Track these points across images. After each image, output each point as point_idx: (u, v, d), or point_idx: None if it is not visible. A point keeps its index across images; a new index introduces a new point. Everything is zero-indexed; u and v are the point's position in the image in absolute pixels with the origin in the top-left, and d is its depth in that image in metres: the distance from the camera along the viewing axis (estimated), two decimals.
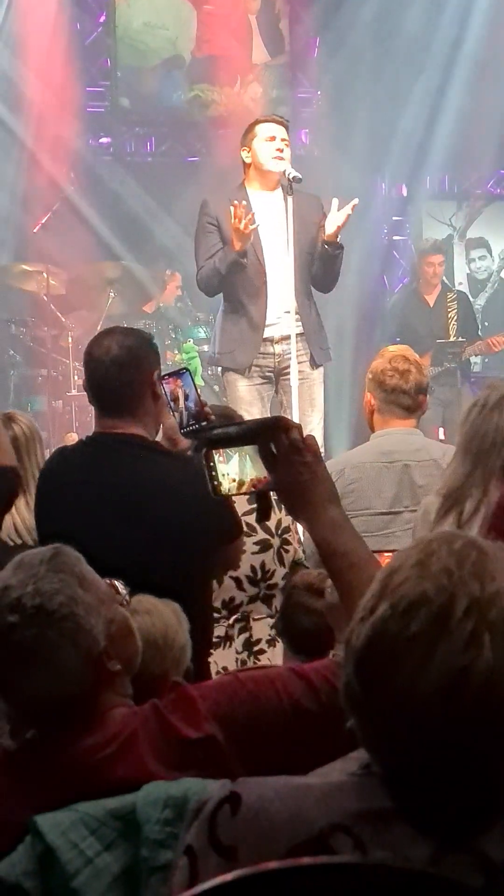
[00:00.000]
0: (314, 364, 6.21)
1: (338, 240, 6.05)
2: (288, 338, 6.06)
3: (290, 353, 6.06)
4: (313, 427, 6.14)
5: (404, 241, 11.07)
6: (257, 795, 1.44)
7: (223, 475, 2.08)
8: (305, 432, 2.03)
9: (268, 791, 1.45)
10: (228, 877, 1.29)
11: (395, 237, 11.09)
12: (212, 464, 2.08)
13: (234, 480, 2.09)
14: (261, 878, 1.27)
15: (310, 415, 6.16)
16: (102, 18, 10.38)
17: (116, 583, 2.33)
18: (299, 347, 6.07)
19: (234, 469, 2.09)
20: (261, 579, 4.01)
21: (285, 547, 4.04)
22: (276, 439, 2.08)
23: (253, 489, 2.10)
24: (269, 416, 5.95)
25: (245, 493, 2.12)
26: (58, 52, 9.76)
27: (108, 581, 2.24)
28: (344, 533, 2.08)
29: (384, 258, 10.96)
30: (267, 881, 1.28)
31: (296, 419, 5.89)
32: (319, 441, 6.04)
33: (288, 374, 6.07)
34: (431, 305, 9.21)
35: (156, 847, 1.90)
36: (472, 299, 10.27)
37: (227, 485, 2.08)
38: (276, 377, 6.23)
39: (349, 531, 2.10)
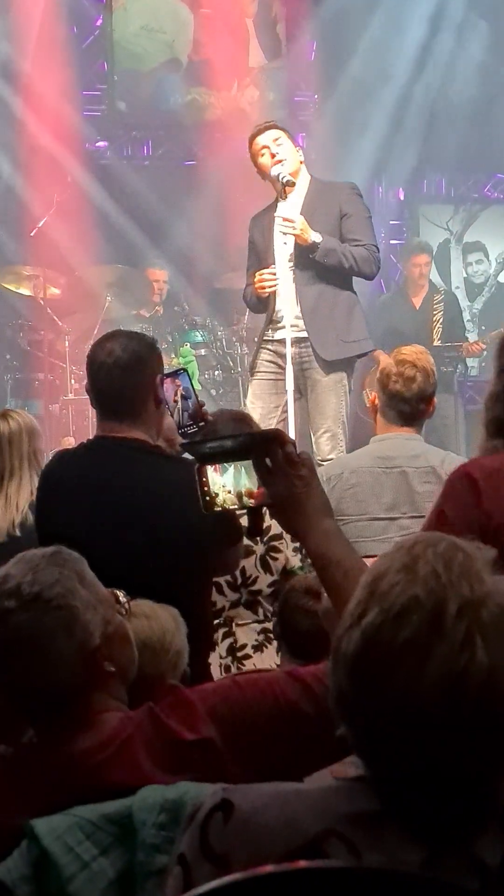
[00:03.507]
0: (324, 364, 6.07)
1: (310, 241, 5.90)
2: (297, 342, 6.02)
3: (300, 358, 6.06)
4: (319, 434, 6.07)
5: (401, 245, 11.07)
6: (249, 803, 1.44)
7: (221, 486, 2.08)
8: (313, 438, 2.03)
9: (260, 798, 1.45)
10: (225, 880, 1.29)
11: (393, 241, 11.09)
12: (204, 479, 2.08)
13: (229, 492, 2.09)
14: (257, 881, 1.27)
15: (317, 421, 6.12)
16: (99, 22, 10.38)
17: (117, 592, 2.34)
18: (303, 353, 6.06)
19: (230, 480, 2.09)
20: (241, 584, 4.00)
21: (272, 554, 4.02)
22: (271, 452, 2.09)
23: (248, 502, 2.10)
24: (268, 427, 5.97)
25: (239, 508, 2.12)
26: (54, 56, 9.75)
27: (109, 590, 2.24)
28: (337, 543, 2.11)
29: (381, 261, 10.95)
30: (263, 885, 1.27)
31: (291, 424, 5.89)
32: (328, 450, 6.01)
33: (305, 377, 6.09)
34: (417, 308, 9.21)
35: (152, 851, 1.90)
36: (468, 302, 10.27)
37: (222, 496, 2.08)
38: (298, 380, 6.15)
39: (342, 541, 2.13)
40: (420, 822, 1.38)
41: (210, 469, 2.08)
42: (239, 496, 2.10)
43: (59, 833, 1.92)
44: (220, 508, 2.11)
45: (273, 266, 5.98)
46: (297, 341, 6.00)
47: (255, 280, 6.03)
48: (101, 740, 2.04)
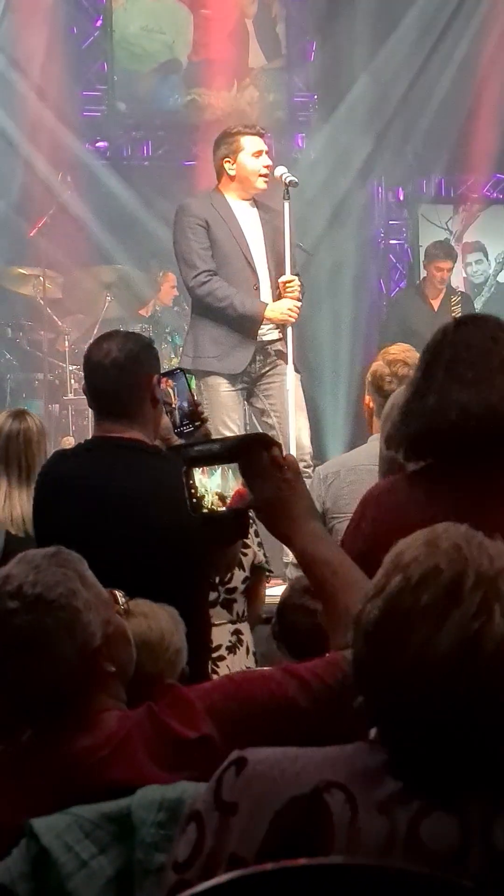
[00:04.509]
0: (296, 370, 6.14)
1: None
2: (272, 343, 6.10)
3: (272, 359, 6.11)
4: (300, 430, 6.09)
5: (401, 244, 11.08)
6: (262, 758, 1.53)
7: (206, 489, 2.10)
8: (291, 435, 2.06)
9: (272, 754, 1.54)
10: (223, 878, 1.30)
11: (392, 241, 11.10)
12: (192, 481, 2.10)
13: (216, 494, 2.11)
14: (255, 878, 1.28)
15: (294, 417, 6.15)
16: (99, 22, 10.39)
17: (116, 592, 2.35)
18: (285, 353, 6.10)
19: (217, 483, 2.11)
20: (220, 583, 4.00)
21: (243, 550, 4.03)
22: (256, 456, 2.12)
23: (234, 504, 2.12)
24: (247, 429, 6.01)
25: (227, 510, 2.14)
26: (54, 56, 9.76)
27: (108, 590, 2.25)
28: (324, 543, 2.16)
29: (380, 262, 10.98)
30: (262, 882, 1.28)
31: (291, 424, 5.92)
32: (307, 444, 6.05)
33: (268, 381, 6.11)
34: (436, 310, 9.19)
35: (150, 850, 1.90)
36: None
37: (209, 498, 2.10)
38: (255, 383, 6.19)
39: (329, 541, 2.20)
40: (417, 777, 1.45)
41: (197, 471, 2.11)
42: (223, 499, 2.13)
43: (59, 831, 1.92)
44: (207, 510, 2.13)
45: (293, 274, 6.03)
46: (270, 342, 6.07)
47: (288, 290, 6.02)
48: (100, 739, 2.05)
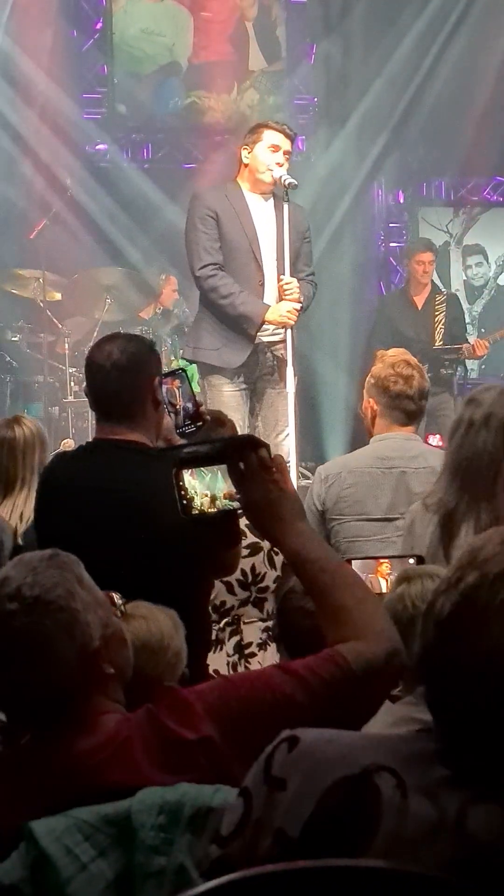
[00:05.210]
0: (293, 367, 6.13)
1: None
2: (274, 344, 6.10)
3: (273, 361, 6.11)
4: (284, 437, 6.07)
5: (401, 247, 11.08)
6: (314, 737, 1.55)
7: (195, 491, 2.11)
8: (275, 440, 2.09)
9: (325, 735, 1.56)
10: (224, 880, 1.30)
11: (392, 243, 11.11)
12: (181, 483, 2.10)
13: (206, 495, 2.12)
14: (255, 880, 1.28)
15: (281, 424, 6.12)
16: (99, 25, 10.41)
17: (113, 594, 2.34)
18: (286, 355, 6.09)
19: (206, 484, 2.12)
20: (251, 583, 4.03)
21: (275, 549, 4.05)
22: (245, 458, 2.13)
23: (224, 505, 2.13)
24: (240, 434, 6.00)
25: (216, 512, 2.14)
26: (54, 59, 9.77)
27: (105, 592, 2.25)
28: (313, 542, 2.18)
29: (380, 264, 10.99)
30: (261, 883, 1.28)
31: (291, 426, 5.91)
32: (287, 452, 6.05)
33: (263, 384, 6.12)
34: (420, 308, 9.14)
35: (150, 853, 1.90)
36: (468, 305, 10.25)
37: (198, 500, 2.11)
38: (254, 382, 6.20)
39: (318, 540, 2.22)
40: (468, 767, 1.47)
41: (186, 473, 2.11)
42: (212, 501, 2.13)
43: (58, 834, 1.92)
44: (197, 512, 2.14)
45: (288, 275, 6.01)
46: (271, 344, 6.06)
47: (286, 292, 6.01)
48: (99, 741, 2.04)
